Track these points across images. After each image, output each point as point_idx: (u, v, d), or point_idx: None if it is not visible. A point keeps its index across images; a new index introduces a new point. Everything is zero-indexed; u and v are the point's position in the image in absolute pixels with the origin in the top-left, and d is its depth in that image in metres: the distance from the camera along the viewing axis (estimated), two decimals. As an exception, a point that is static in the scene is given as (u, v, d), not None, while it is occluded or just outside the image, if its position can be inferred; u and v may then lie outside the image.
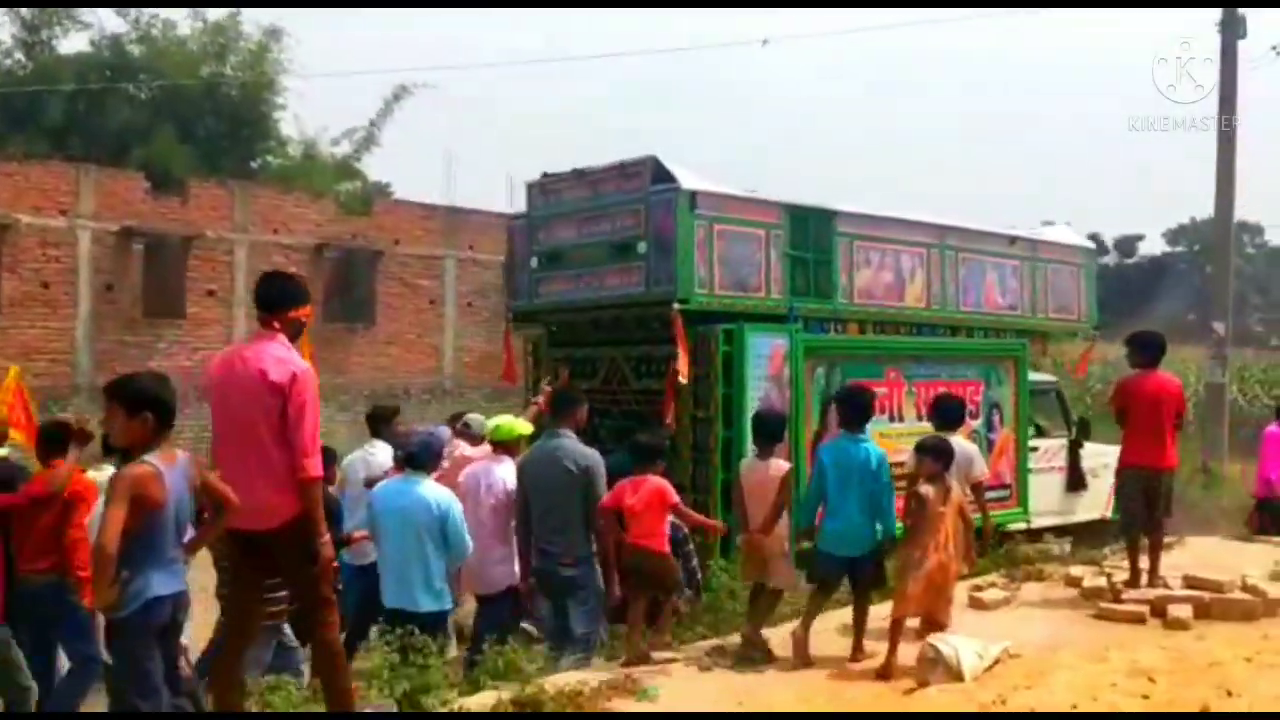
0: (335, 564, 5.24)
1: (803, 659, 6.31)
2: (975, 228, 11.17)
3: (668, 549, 6.61)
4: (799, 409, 9.02)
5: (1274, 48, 17.34)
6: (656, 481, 6.54)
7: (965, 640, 6.08)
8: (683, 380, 8.51)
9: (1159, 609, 7.72)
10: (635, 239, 8.99)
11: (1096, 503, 11.77)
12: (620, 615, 6.70)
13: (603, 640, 6.86)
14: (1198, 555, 9.53)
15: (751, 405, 8.44)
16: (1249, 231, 54.34)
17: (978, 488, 7.68)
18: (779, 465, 6.79)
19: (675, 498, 6.62)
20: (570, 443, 6.89)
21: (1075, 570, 8.86)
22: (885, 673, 6.05)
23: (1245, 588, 8.07)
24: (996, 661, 5.94)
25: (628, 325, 9.34)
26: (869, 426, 6.88)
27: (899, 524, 6.57)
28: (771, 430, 7.00)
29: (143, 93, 28.94)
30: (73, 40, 29.20)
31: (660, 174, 8.84)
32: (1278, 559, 9.29)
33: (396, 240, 25.60)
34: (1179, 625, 7.44)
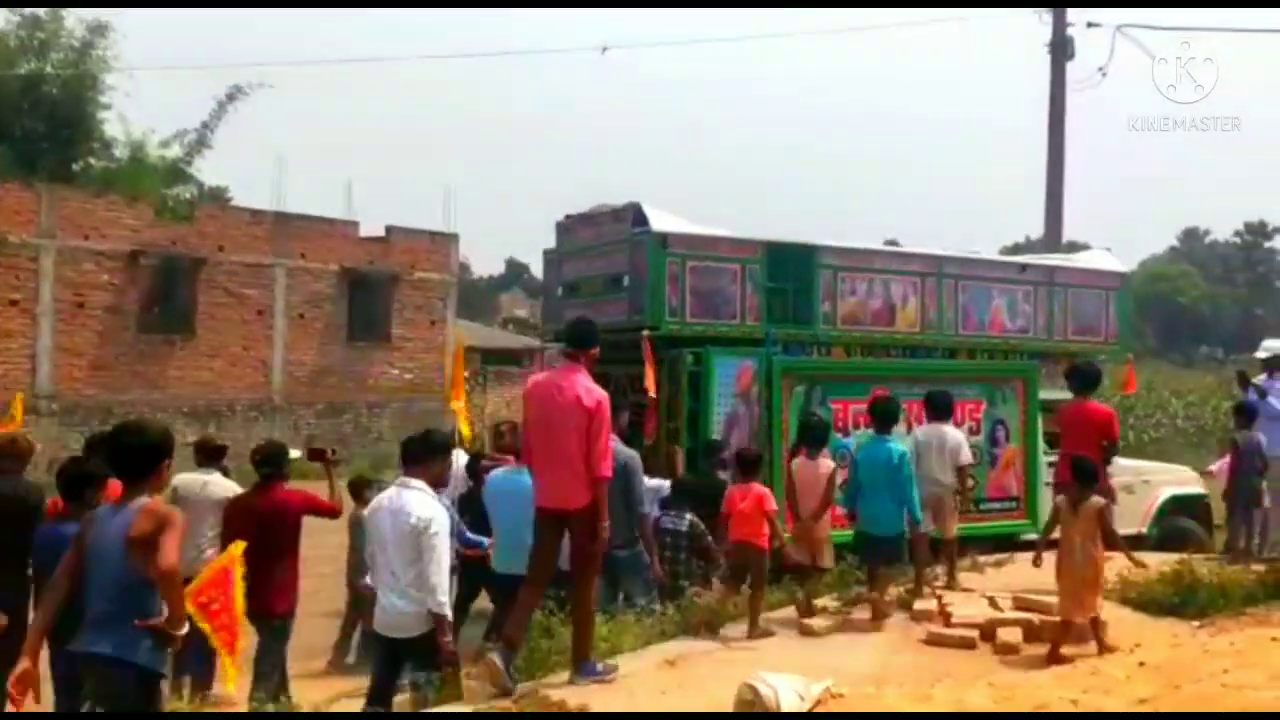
0: None
1: (880, 619, 7.85)
2: (980, 257, 12.46)
3: (768, 546, 7.75)
4: (775, 424, 9.97)
5: (1100, 69, 17.70)
6: (760, 489, 7.84)
7: (785, 679, 5.60)
8: (651, 395, 9.68)
9: (988, 633, 7.47)
10: (621, 274, 10.50)
11: (1131, 517, 11.49)
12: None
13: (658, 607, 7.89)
14: (1033, 573, 9.32)
15: (716, 419, 9.82)
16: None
17: (962, 471, 8.91)
18: (826, 465, 8.21)
19: (774, 505, 7.87)
20: (615, 444, 7.29)
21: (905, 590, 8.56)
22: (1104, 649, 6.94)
23: (1074, 608, 7.85)
24: (818, 702, 5.50)
25: (624, 347, 10.01)
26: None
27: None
28: (819, 436, 8.44)
29: (-46, 91, 26.88)
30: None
31: (639, 218, 10.22)
32: (1120, 570, 9.15)
33: (221, 247, 24.23)
34: (1008, 650, 7.20)
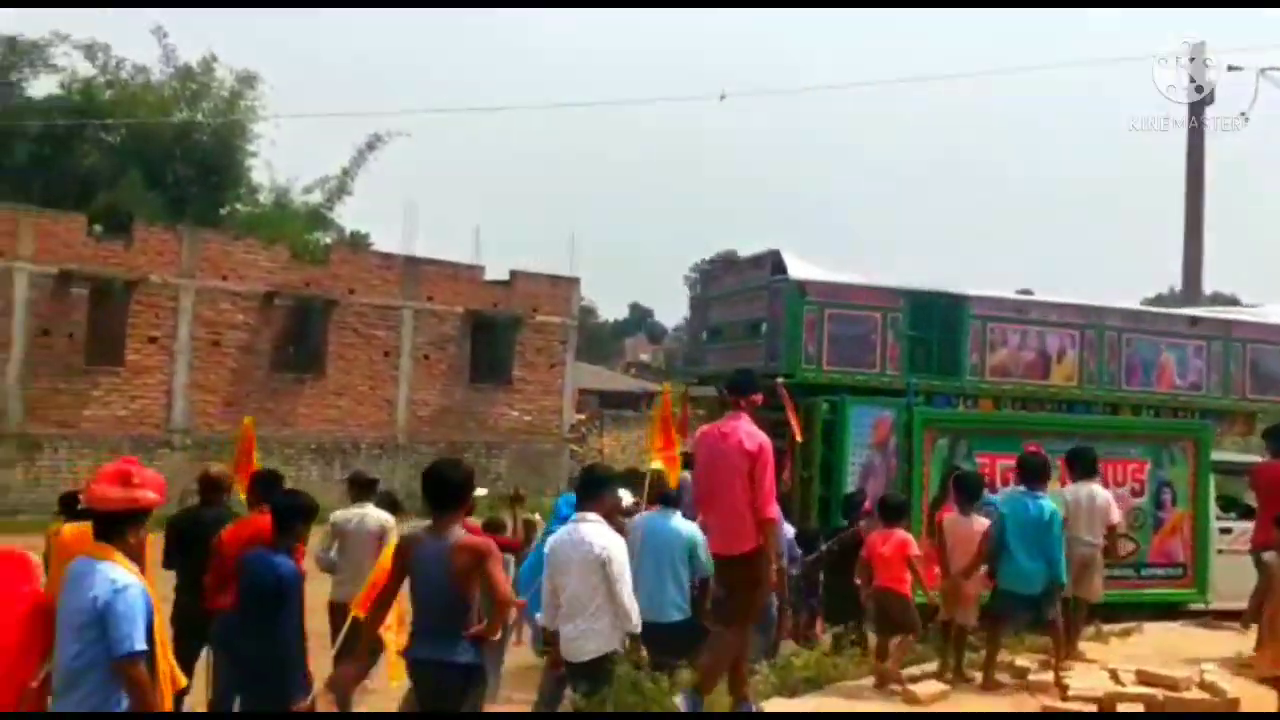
0: None
1: (990, 685, 7.58)
2: (1145, 309, 12.17)
3: (910, 594, 7.68)
4: (916, 476, 9.82)
5: (1242, 114, 16.98)
6: (902, 535, 7.73)
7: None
8: (798, 439, 9.60)
9: (1108, 707, 7.07)
10: (760, 320, 10.65)
11: None
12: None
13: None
14: (1157, 645, 8.84)
15: (850, 469, 9.72)
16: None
17: (1112, 530, 8.42)
18: (981, 522, 7.84)
19: (917, 550, 7.75)
20: None
21: (1021, 660, 8.16)
22: None
23: (1203, 685, 7.40)
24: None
25: (765, 393, 10.02)
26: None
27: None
28: (972, 491, 8.05)
29: (112, 137, 28.45)
30: (42, 83, 28.73)
31: (778, 265, 10.24)
32: (1240, 650, 8.61)
33: (352, 289, 24.91)
34: (1128, 727, 6.78)
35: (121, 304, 21.68)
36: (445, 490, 5.10)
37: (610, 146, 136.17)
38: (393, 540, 7.33)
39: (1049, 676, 7.71)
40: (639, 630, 6.43)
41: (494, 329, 27.19)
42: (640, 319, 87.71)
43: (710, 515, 6.61)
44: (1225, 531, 11.03)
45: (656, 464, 9.60)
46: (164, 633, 4.72)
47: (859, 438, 9.84)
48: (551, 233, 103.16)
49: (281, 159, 68.62)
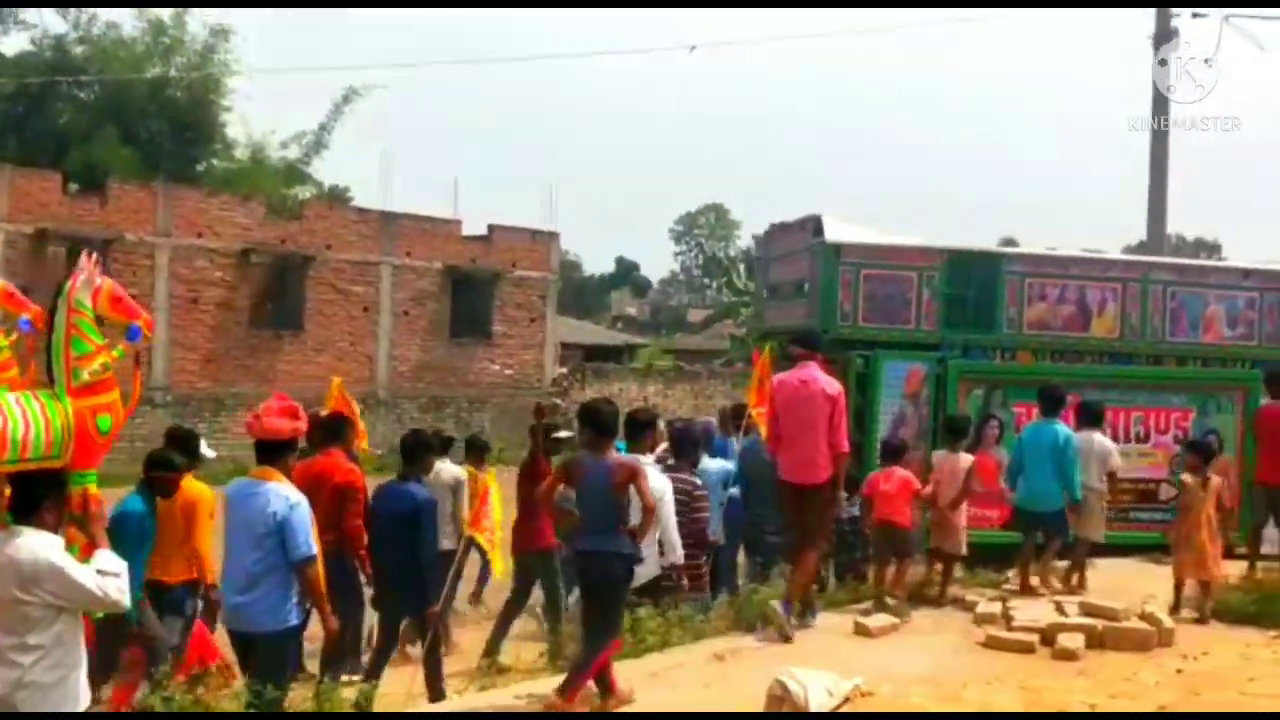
0: None
1: (1026, 589, 8.41)
2: (1191, 262, 12.58)
3: (910, 526, 8.28)
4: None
5: (1206, 60, 16.98)
6: (904, 473, 8.32)
7: (816, 676, 5.58)
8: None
9: (1049, 638, 7.29)
10: (804, 280, 11.26)
11: None
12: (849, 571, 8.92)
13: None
14: (1106, 578, 9.09)
15: (882, 418, 10.33)
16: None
17: (1112, 476, 9.02)
18: (966, 458, 8.65)
19: (919, 487, 8.32)
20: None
21: (972, 595, 8.41)
22: (1173, 609, 7.89)
23: (1143, 616, 7.63)
24: (846, 699, 5.46)
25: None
26: None
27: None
28: (960, 429, 8.97)
29: (85, 94, 28.26)
30: (14, 39, 28.50)
31: (818, 229, 10.83)
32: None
33: (329, 245, 24.92)
34: (1066, 656, 6.99)
35: (96, 262, 21.66)
36: (602, 422, 6.00)
37: (594, 98, 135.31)
38: (466, 488, 9.31)
39: (997, 608, 7.97)
40: (681, 562, 7.23)
41: (473, 284, 27.24)
42: (626, 273, 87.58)
43: (790, 452, 7.45)
44: None
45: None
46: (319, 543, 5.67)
47: (890, 389, 10.45)
48: (533, 186, 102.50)
49: (258, 113, 68.17)
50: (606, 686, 5.85)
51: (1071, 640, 7.21)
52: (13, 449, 4.36)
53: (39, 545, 4.17)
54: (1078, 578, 8.70)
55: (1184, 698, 4.32)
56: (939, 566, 8.68)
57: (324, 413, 8.71)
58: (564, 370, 30.61)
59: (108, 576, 4.27)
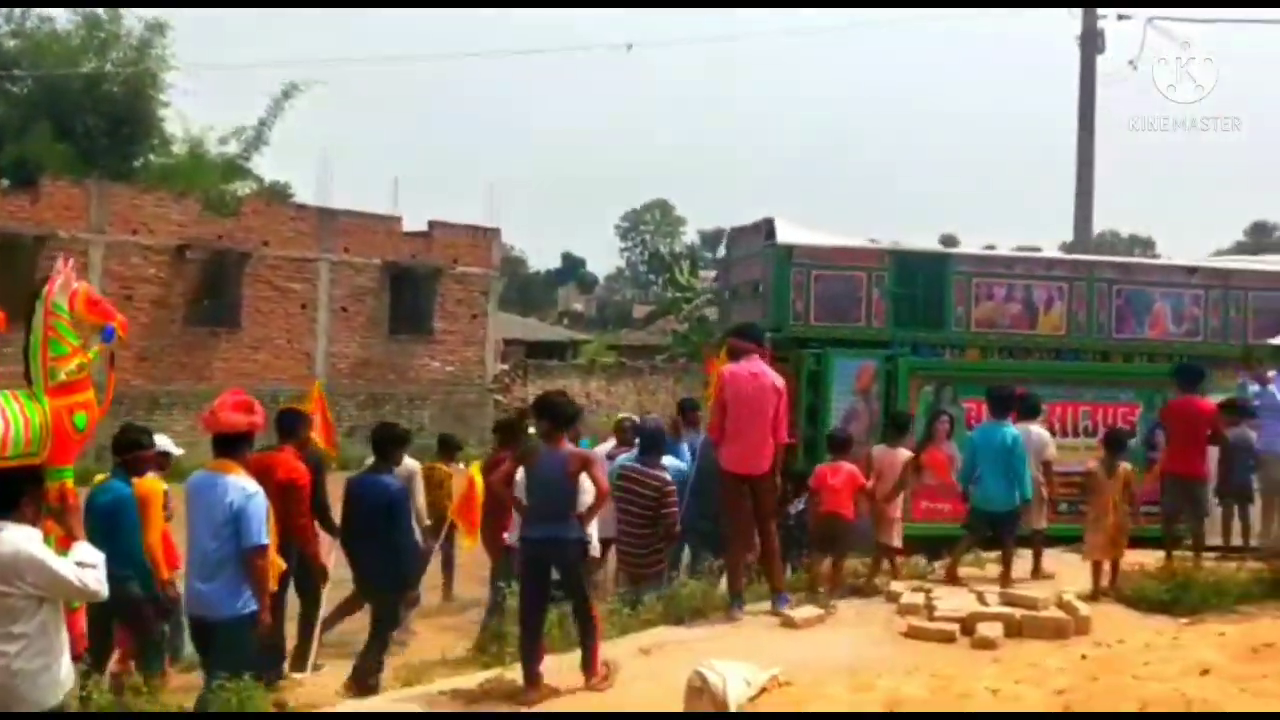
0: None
1: (953, 579, 8.54)
2: (1138, 261, 12.75)
3: (854, 519, 8.54)
4: None
5: (1130, 62, 17.35)
6: (850, 467, 8.62)
7: (735, 667, 5.68)
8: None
9: (970, 627, 7.45)
10: (759, 282, 11.53)
11: None
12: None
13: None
14: (1029, 568, 9.28)
15: (834, 414, 10.61)
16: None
17: (1047, 466, 9.22)
18: (904, 453, 8.97)
19: (864, 481, 8.63)
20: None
21: (896, 585, 8.56)
22: (1094, 595, 8.34)
23: (1061, 604, 7.82)
24: (764, 690, 5.56)
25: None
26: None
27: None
28: (902, 425, 9.39)
29: (19, 88, 27.71)
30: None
31: (770, 231, 11.16)
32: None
33: (266, 242, 24.67)
34: (985, 645, 7.16)
35: (29, 260, 21.27)
36: (557, 413, 6.39)
37: (539, 95, 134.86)
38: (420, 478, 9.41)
39: (920, 599, 8.12)
40: (598, 555, 7.89)
41: (413, 280, 27.09)
42: (573, 269, 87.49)
43: (739, 443, 7.71)
44: None
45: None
46: (274, 534, 5.94)
47: (842, 385, 10.78)
48: (476, 184, 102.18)
49: (196, 109, 67.14)
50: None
51: (991, 629, 7.38)
52: None
53: (20, 538, 4.34)
54: (1036, 566, 9.06)
55: (1082, 682, 4.45)
56: (877, 559, 8.93)
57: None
58: (505, 367, 30.54)
59: (86, 568, 4.44)
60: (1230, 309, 11.88)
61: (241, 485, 5.76)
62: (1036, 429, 9.43)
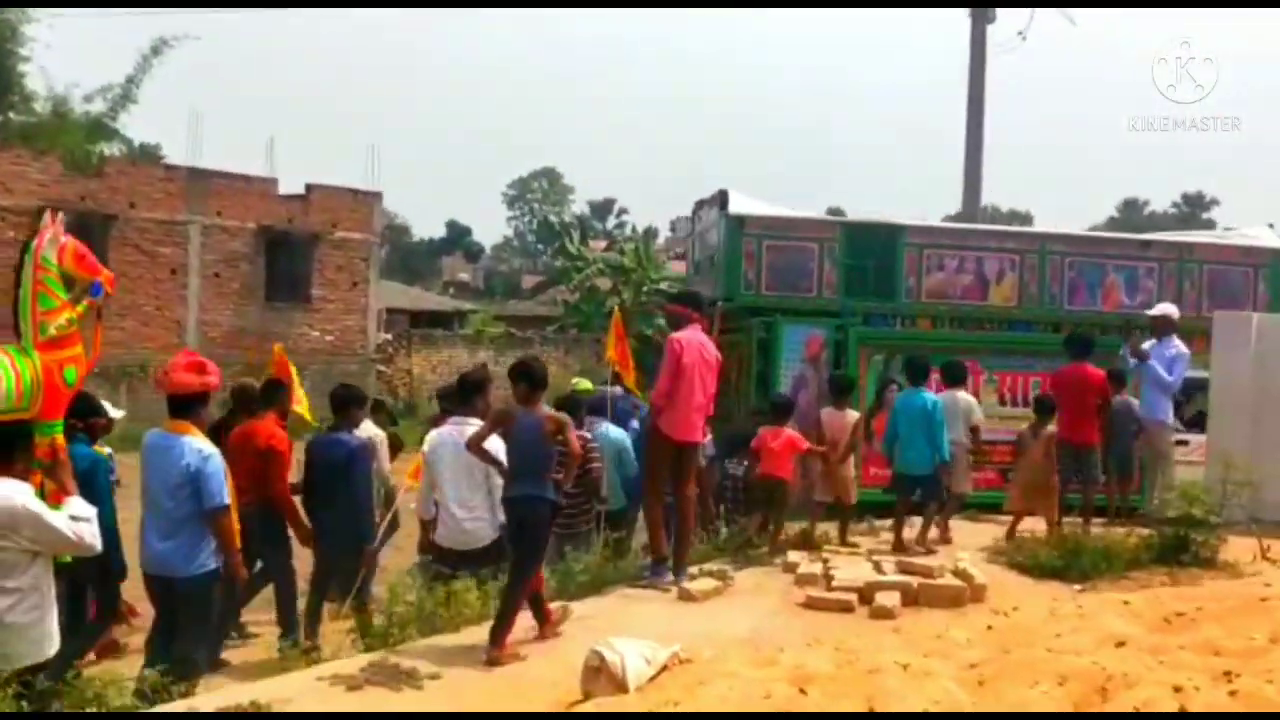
0: None
1: (899, 545, 8.76)
2: (1091, 234, 13.55)
3: (791, 481, 8.74)
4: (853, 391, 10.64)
5: (1019, 33, 17.57)
6: (791, 432, 8.81)
7: (633, 645, 5.41)
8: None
9: (868, 596, 7.34)
10: (715, 252, 11.91)
11: None
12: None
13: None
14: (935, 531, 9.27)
15: (784, 381, 10.89)
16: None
17: (975, 430, 9.68)
18: (852, 414, 9.26)
19: (805, 445, 8.84)
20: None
21: (793, 555, 8.43)
22: (1009, 534, 9.06)
23: (956, 572, 7.77)
24: (664, 667, 5.31)
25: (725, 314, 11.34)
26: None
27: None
28: (845, 387, 9.55)
29: None
30: None
31: (724, 203, 11.39)
32: (997, 537, 9.15)
33: (132, 204, 23.50)
34: (884, 614, 7.05)
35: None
36: (534, 377, 6.44)
37: (422, 58, 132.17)
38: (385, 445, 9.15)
39: (818, 569, 8.00)
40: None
41: (290, 245, 26.16)
42: (458, 237, 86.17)
43: (681, 410, 7.67)
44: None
45: (586, 384, 10.75)
46: (234, 494, 5.97)
47: (791, 353, 11.06)
48: (356, 148, 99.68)
49: (60, 65, 63.84)
50: (542, 617, 6.33)
51: (888, 599, 7.28)
52: None
53: (14, 492, 4.43)
54: (942, 530, 9.28)
55: (994, 655, 4.31)
56: (844, 521, 9.21)
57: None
58: (388, 337, 29.79)
59: (80, 521, 4.54)
60: (1184, 282, 12.19)
61: (197, 447, 5.80)
62: (964, 395, 9.68)
